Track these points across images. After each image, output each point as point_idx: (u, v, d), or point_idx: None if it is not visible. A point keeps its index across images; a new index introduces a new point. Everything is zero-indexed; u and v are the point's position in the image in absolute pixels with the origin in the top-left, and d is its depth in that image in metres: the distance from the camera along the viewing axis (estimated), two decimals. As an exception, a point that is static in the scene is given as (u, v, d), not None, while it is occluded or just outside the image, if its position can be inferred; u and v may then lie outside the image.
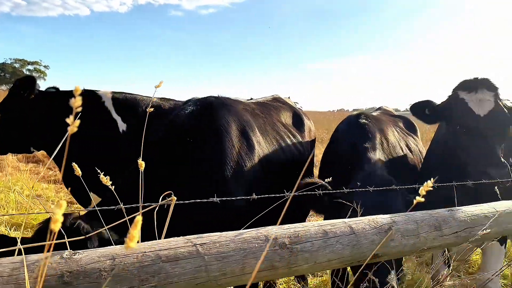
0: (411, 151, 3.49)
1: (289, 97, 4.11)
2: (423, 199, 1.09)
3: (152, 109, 1.60)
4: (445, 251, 3.25)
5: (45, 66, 57.89)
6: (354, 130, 2.97)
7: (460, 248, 3.23)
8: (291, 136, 3.16)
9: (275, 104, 3.50)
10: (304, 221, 3.74)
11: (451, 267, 3.62)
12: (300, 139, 3.30)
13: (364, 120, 2.99)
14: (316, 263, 1.42)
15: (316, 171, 4.38)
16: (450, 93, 2.83)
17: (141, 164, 1.23)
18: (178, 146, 2.42)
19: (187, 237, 1.23)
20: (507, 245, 3.05)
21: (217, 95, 2.87)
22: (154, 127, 3.43)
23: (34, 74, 56.64)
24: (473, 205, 2.02)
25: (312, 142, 3.73)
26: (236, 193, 2.39)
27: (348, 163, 2.74)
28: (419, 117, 2.88)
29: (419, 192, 1.11)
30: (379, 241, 1.57)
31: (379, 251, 1.57)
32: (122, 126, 3.90)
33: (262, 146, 2.79)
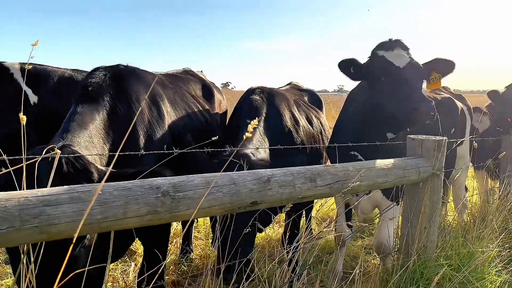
0: (311, 124, 3.80)
1: (201, 71, 4.24)
2: (250, 135, 1.32)
3: (30, 66, 1.64)
4: (349, 213, 3.64)
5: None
6: (244, 104, 3.25)
7: (361, 209, 3.65)
8: (200, 107, 3.31)
9: (185, 76, 3.61)
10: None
11: (352, 228, 4.04)
12: (210, 110, 3.46)
13: (255, 96, 3.27)
14: (198, 209, 1.61)
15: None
16: (370, 55, 3.14)
17: (23, 118, 1.32)
18: None
19: (71, 186, 1.35)
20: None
21: (126, 64, 2.92)
22: (65, 98, 3.41)
23: None
24: (350, 163, 2.34)
25: (224, 114, 3.91)
26: (146, 162, 2.51)
27: (232, 134, 3.04)
28: (346, 74, 3.15)
29: (248, 129, 1.33)
30: (258, 190, 1.79)
31: (258, 199, 1.80)
32: (33, 98, 3.80)
33: (171, 116, 2.92)
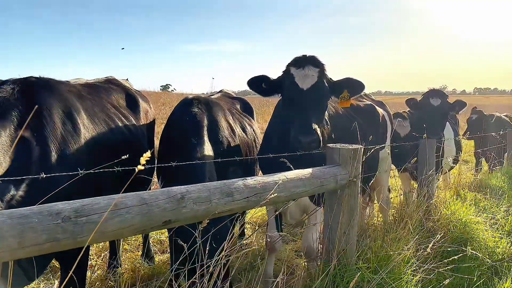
0: (245, 132, 3.85)
1: (127, 79, 4.12)
2: (142, 167, 1.32)
3: None
4: (278, 218, 3.71)
5: None
6: (185, 118, 3.23)
7: (290, 215, 3.73)
8: (123, 118, 3.21)
9: (107, 85, 3.49)
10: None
11: (282, 232, 4.12)
12: (134, 121, 3.37)
13: (194, 109, 3.26)
14: (105, 233, 1.56)
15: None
16: (284, 69, 3.20)
17: None
18: None
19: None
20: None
21: (38, 76, 2.77)
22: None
23: None
24: (267, 175, 2.38)
25: (151, 124, 3.83)
26: (62, 180, 2.38)
27: (177, 149, 3.02)
28: (256, 90, 3.22)
29: (140, 161, 1.33)
30: (171, 208, 1.78)
31: (171, 217, 1.78)
32: None
33: (89, 129, 2.80)
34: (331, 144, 3.04)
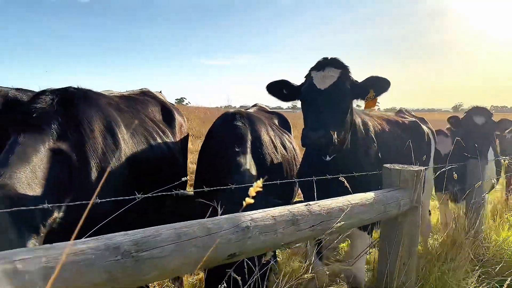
0: (285, 149, 3.62)
1: (160, 91, 3.94)
2: (252, 201, 1.07)
3: None
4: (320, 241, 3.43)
5: None
6: (228, 132, 3.01)
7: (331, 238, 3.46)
8: (160, 133, 3.01)
9: (143, 98, 3.30)
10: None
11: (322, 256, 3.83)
12: (171, 136, 3.17)
13: (238, 123, 3.05)
14: (167, 270, 1.33)
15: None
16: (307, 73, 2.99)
17: None
18: None
19: (4, 252, 1.04)
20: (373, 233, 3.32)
21: (77, 86, 2.59)
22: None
23: None
24: (329, 199, 2.13)
25: (185, 139, 3.62)
26: (102, 197, 2.18)
27: (220, 165, 2.78)
28: (277, 96, 3.01)
29: (249, 193, 1.09)
30: (236, 239, 1.53)
31: (236, 250, 1.54)
32: None
33: (128, 145, 2.60)
34: (388, 165, 2.78)
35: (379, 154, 3.35)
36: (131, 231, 1.31)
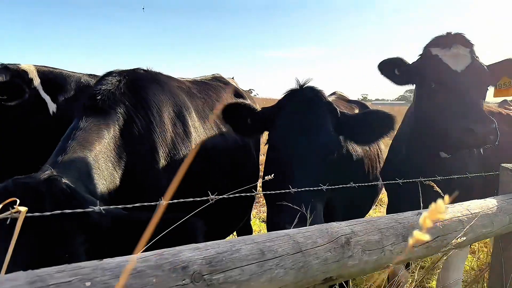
0: None
1: (233, 78, 3.66)
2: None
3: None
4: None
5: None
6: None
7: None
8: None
9: (215, 84, 3.03)
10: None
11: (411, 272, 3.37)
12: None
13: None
14: (247, 298, 1.01)
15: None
16: (421, 52, 2.50)
17: None
18: None
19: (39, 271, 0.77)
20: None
21: (146, 68, 2.38)
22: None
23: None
24: (450, 205, 1.70)
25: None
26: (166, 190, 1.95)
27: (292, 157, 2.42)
28: (389, 77, 2.52)
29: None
30: (334, 259, 1.18)
31: (334, 274, 1.18)
32: (52, 106, 3.34)
33: (199, 133, 2.35)
34: (507, 164, 2.25)
35: (481, 151, 2.81)
36: (201, 244, 1.01)
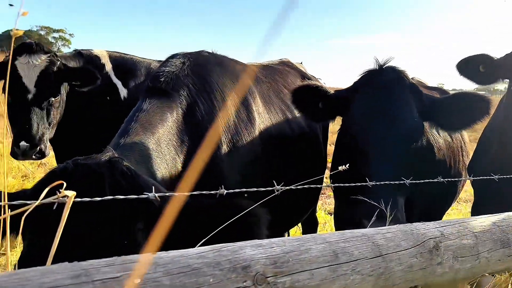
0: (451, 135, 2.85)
1: (301, 63, 3.49)
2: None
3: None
4: None
5: (70, 35, 57.33)
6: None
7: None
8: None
9: (282, 68, 2.88)
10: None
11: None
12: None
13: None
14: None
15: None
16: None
17: None
18: None
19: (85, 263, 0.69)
20: None
21: (211, 51, 2.29)
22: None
23: (59, 42, 56.65)
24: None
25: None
26: (230, 178, 1.86)
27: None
28: (471, 76, 2.25)
29: None
30: (420, 266, 1.00)
31: (420, 282, 1.01)
32: (123, 92, 3.41)
33: (264, 119, 2.23)
34: None
35: None
36: (265, 240, 0.88)
